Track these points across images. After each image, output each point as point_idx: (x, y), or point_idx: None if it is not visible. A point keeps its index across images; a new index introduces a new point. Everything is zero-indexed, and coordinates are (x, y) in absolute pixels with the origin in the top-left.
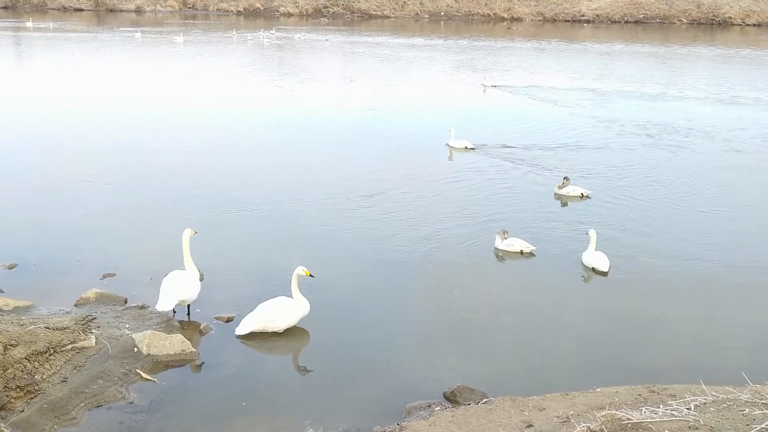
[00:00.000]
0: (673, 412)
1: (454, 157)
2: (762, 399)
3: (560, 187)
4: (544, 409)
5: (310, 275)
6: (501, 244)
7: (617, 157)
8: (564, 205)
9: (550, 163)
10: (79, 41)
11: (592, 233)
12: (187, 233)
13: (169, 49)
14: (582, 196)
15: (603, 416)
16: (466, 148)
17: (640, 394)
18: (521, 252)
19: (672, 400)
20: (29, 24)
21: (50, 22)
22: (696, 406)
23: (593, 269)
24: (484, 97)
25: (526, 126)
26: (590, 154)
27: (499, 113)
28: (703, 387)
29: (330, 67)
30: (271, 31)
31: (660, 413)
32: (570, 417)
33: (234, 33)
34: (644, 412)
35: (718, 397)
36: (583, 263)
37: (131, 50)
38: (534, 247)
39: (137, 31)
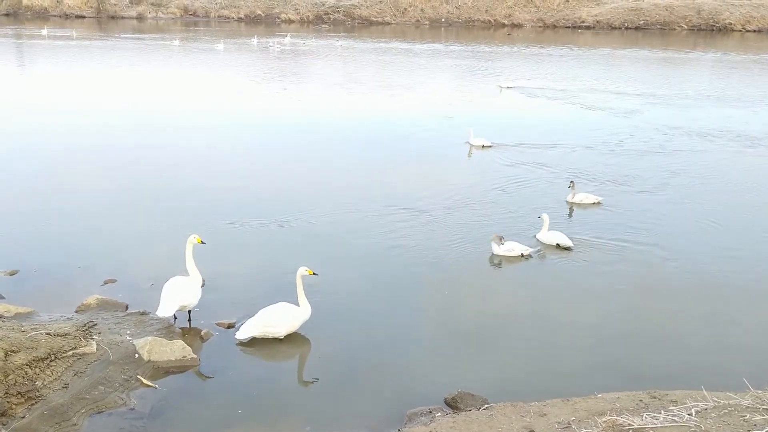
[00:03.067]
0: (674, 418)
1: (472, 154)
2: (763, 404)
3: (573, 195)
4: (545, 414)
5: (314, 273)
6: (499, 249)
7: (630, 160)
8: (570, 212)
9: (563, 162)
10: (111, 49)
11: (545, 217)
12: (192, 239)
13: (212, 56)
14: (594, 203)
15: (604, 422)
16: (483, 146)
17: (641, 400)
18: (522, 255)
19: (673, 405)
20: (44, 32)
21: (72, 31)
22: (697, 412)
23: (557, 245)
24: (501, 98)
25: (543, 126)
26: (602, 155)
27: (517, 113)
28: (705, 393)
29: (348, 73)
30: (287, 37)
31: (661, 419)
32: (571, 423)
33: (255, 39)
34: (645, 417)
35: (719, 402)
36: (541, 242)
37: (175, 57)
38: (532, 249)
39: (175, 39)
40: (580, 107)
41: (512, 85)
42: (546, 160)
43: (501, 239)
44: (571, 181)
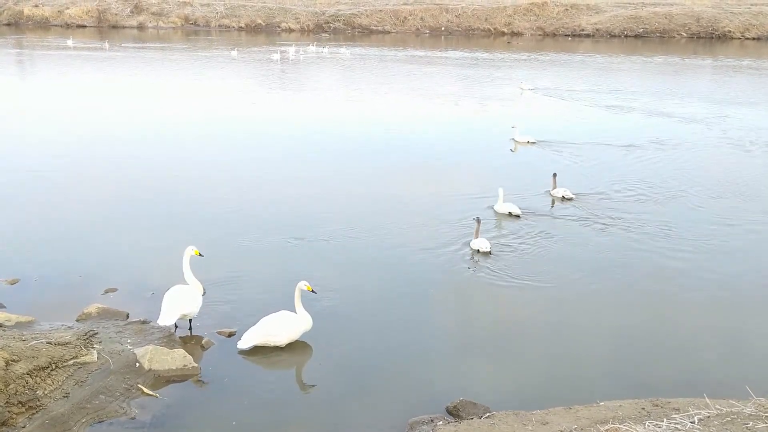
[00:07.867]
0: (676, 426)
1: (518, 150)
2: (766, 412)
3: (554, 188)
4: (547, 423)
5: (312, 291)
6: (473, 242)
7: (653, 157)
8: (552, 204)
9: (599, 157)
10: (169, 61)
11: (500, 191)
12: (189, 251)
13: (270, 66)
14: (563, 198)
15: (606, 430)
16: (528, 142)
17: (643, 408)
18: (478, 251)
19: (675, 413)
20: (69, 42)
21: (105, 42)
22: (700, 420)
23: (509, 213)
24: (525, 99)
25: (576, 124)
26: (638, 153)
27: (545, 113)
28: (707, 400)
29: (365, 80)
30: (311, 46)
31: (663, 427)
32: (573, 431)
33: (292, 45)
34: (648, 425)
35: (721, 410)
36: (496, 211)
37: (236, 68)
38: (489, 246)
39: (233, 49)
40: (601, 108)
41: (532, 87)
42: (580, 157)
43: (479, 222)
44: (554, 174)
